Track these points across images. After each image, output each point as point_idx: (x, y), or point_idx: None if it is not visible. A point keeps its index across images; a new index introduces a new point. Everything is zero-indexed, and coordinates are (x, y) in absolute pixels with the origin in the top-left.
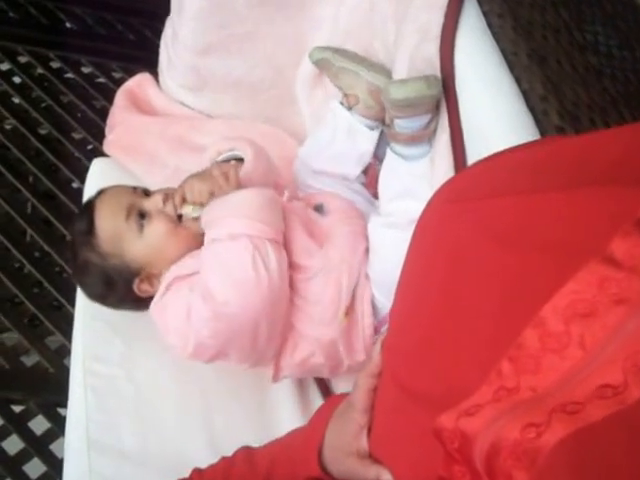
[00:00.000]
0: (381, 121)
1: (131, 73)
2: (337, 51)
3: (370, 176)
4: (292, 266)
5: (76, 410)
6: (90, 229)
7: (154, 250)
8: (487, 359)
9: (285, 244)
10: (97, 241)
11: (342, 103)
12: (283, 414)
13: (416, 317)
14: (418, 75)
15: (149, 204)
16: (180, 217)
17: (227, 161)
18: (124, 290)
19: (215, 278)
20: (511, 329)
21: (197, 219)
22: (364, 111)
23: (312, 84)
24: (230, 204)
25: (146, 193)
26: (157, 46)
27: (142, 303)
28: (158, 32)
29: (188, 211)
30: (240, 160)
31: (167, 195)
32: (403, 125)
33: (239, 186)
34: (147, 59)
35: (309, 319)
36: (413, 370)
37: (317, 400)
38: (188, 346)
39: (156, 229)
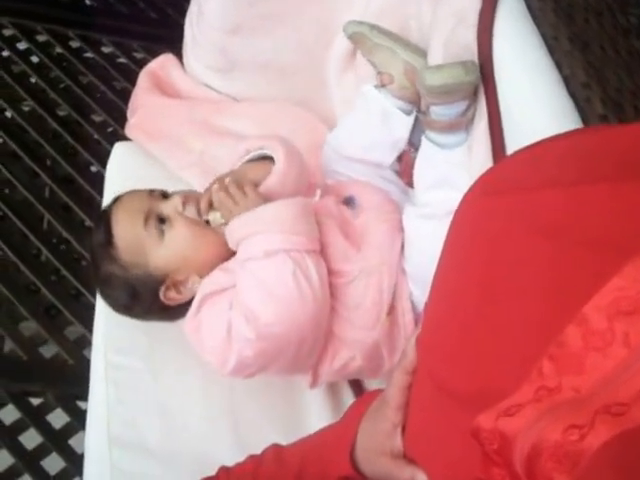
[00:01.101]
0: (415, 104)
1: (153, 53)
2: (374, 27)
3: (404, 164)
4: (330, 271)
5: (97, 404)
6: (108, 240)
7: (177, 256)
8: (527, 357)
9: (321, 250)
10: (117, 252)
11: (375, 85)
12: (312, 412)
13: (453, 313)
14: (453, 59)
15: (168, 207)
16: (207, 222)
17: (257, 159)
18: (150, 300)
19: (257, 298)
20: (552, 326)
21: (225, 225)
22: (398, 91)
23: (343, 66)
24: (260, 220)
25: (164, 195)
26: (180, 25)
27: (170, 312)
28: (181, 10)
29: (216, 217)
30: (271, 159)
31: (187, 197)
32: (439, 112)
33: (263, 196)
34: (170, 38)
35: (350, 324)
36: (450, 368)
37: (348, 398)
38: (227, 365)
39: (178, 234)
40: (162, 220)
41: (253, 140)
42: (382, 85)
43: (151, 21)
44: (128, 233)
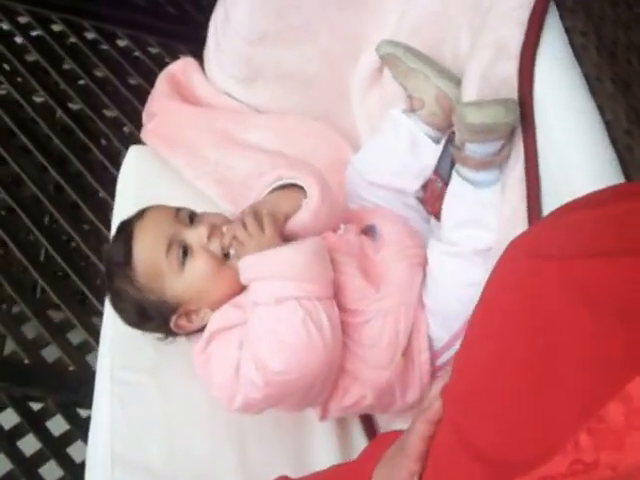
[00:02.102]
0: (442, 131)
1: (168, 49)
2: (409, 49)
3: (428, 192)
4: (345, 311)
5: (101, 420)
6: (127, 259)
7: (194, 288)
8: (564, 428)
9: (338, 289)
10: (133, 273)
11: (404, 110)
12: (320, 443)
13: (489, 374)
14: (491, 92)
15: (193, 237)
16: (227, 255)
17: (285, 187)
18: (160, 323)
19: (266, 346)
20: (593, 400)
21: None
22: (427, 118)
23: (368, 84)
24: (272, 264)
25: (191, 218)
26: (198, 22)
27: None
28: (199, 6)
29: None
30: (300, 187)
31: (213, 228)
32: (474, 149)
33: (283, 234)
34: (187, 35)
35: (363, 363)
36: (477, 426)
37: (357, 431)
38: (234, 403)
39: (198, 268)
40: (185, 249)
41: (286, 170)
42: (412, 110)
43: (168, 16)
44: (148, 258)
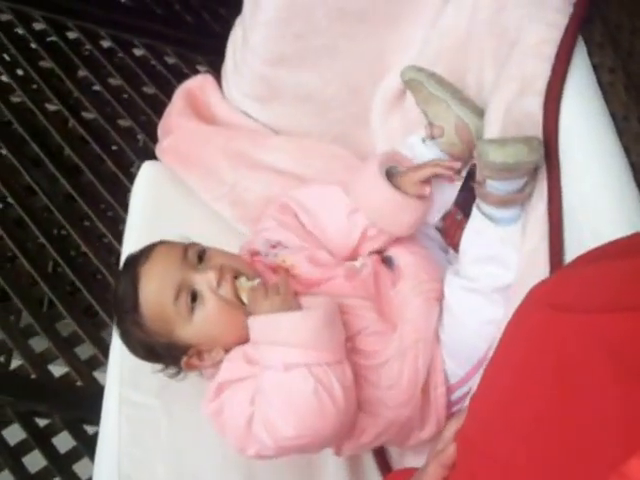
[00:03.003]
0: (461, 161)
1: (185, 59)
2: (432, 76)
3: (448, 223)
4: (362, 354)
5: (108, 440)
6: (134, 306)
7: (205, 333)
8: None
9: (355, 334)
10: (141, 319)
11: (423, 138)
12: (330, 472)
13: (508, 423)
14: (514, 127)
15: (202, 282)
16: (240, 300)
17: None
18: (170, 362)
19: (277, 412)
20: (615, 455)
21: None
22: (446, 147)
23: (390, 107)
24: (280, 330)
25: (200, 256)
26: (215, 32)
27: None
28: (218, 16)
29: (242, 282)
30: None
31: (222, 270)
32: (496, 186)
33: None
34: (204, 45)
35: (382, 404)
36: (494, 475)
37: (370, 465)
38: (246, 453)
39: (209, 313)
40: (194, 295)
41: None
42: (431, 137)
43: (186, 26)
44: (156, 305)
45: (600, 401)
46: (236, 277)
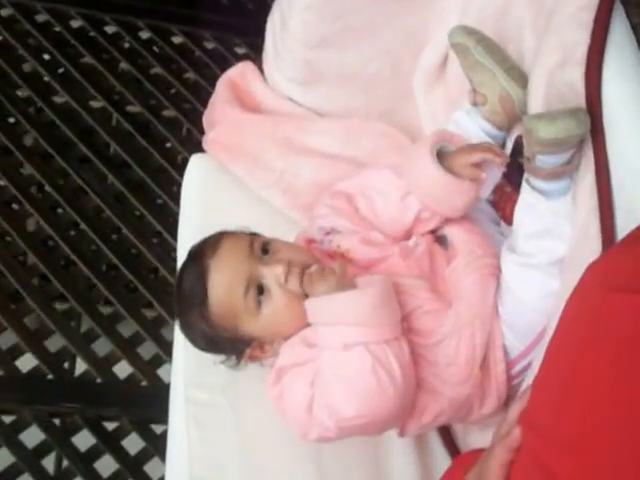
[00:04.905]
0: (502, 129)
1: (224, 43)
2: (481, 41)
3: (498, 196)
4: (418, 333)
5: (177, 442)
6: (202, 300)
7: (271, 327)
8: None
9: (410, 314)
10: (208, 313)
11: (467, 111)
12: (399, 458)
13: (576, 410)
14: (557, 99)
15: (269, 276)
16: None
17: None
18: (231, 354)
19: (336, 393)
20: None
21: None
22: (489, 115)
23: (432, 80)
24: (337, 310)
25: (265, 248)
26: (252, 12)
27: None
28: None
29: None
30: None
31: (290, 264)
32: (545, 160)
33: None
34: (241, 27)
35: (441, 382)
36: (559, 457)
37: (436, 444)
38: (309, 437)
39: (276, 308)
40: (261, 289)
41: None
42: (474, 104)
43: (222, 8)
44: (226, 299)
45: None
46: (303, 271)
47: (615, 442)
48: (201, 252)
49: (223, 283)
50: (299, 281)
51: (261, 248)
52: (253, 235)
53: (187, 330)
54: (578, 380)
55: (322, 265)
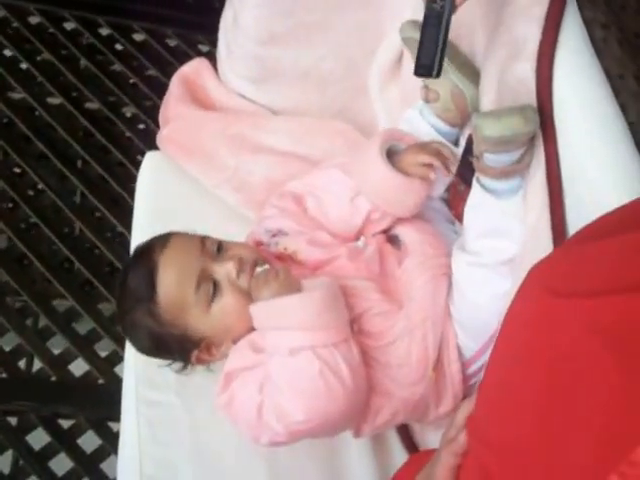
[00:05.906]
0: (455, 127)
1: (187, 40)
2: None
3: (451, 195)
4: (369, 335)
5: (128, 441)
6: (151, 295)
7: (221, 325)
8: (593, 470)
9: (359, 316)
10: (156, 309)
11: (420, 110)
12: (355, 456)
13: (513, 414)
14: (509, 95)
15: (221, 273)
16: None
17: None
18: (178, 356)
19: (285, 398)
20: (622, 443)
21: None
22: (441, 112)
23: (387, 77)
24: (282, 315)
25: (218, 248)
26: (216, 10)
27: None
28: None
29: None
30: None
31: (241, 262)
32: (494, 159)
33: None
34: (205, 25)
35: (394, 383)
36: (504, 467)
37: (394, 442)
38: (260, 442)
39: (227, 304)
40: (213, 284)
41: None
42: (426, 101)
43: (185, 6)
44: (176, 294)
45: (605, 387)
46: (254, 268)
47: (559, 453)
48: (149, 249)
49: (173, 278)
50: (250, 278)
51: (215, 247)
52: (204, 236)
53: (132, 330)
54: (512, 386)
55: (272, 266)
